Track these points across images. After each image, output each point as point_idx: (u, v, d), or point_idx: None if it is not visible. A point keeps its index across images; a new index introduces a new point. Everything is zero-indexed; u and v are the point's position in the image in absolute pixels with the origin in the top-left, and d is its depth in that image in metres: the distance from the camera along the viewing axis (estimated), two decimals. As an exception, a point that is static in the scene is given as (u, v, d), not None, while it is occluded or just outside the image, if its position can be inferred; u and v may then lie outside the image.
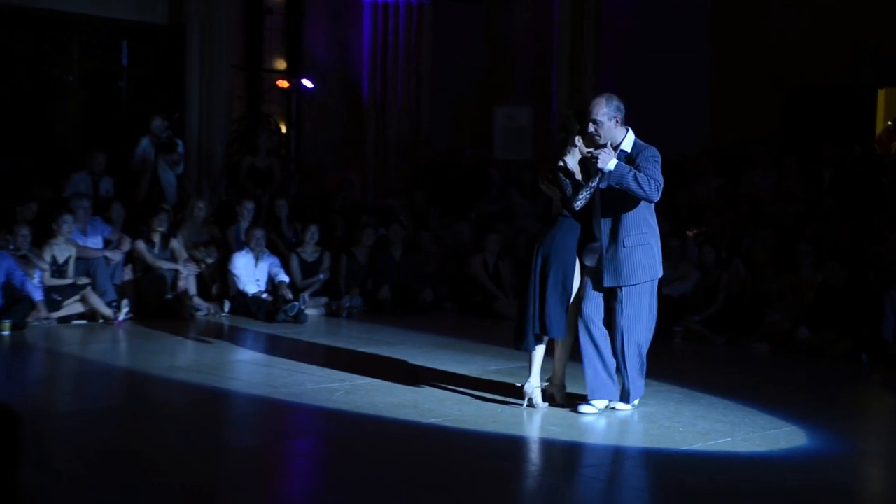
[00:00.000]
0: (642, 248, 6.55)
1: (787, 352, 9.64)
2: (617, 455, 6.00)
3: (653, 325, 6.73)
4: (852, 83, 12.73)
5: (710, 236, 11.07)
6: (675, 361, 9.02)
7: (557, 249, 6.55)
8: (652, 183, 6.39)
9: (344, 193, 13.47)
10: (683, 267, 10.57)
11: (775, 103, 13.02)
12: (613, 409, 6.69)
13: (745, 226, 11.23)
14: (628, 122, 6.64)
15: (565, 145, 6.64)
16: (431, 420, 6.43)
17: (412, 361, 8.46)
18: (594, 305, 6.61)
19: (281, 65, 14.97)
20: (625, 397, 6.72)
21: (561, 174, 6.58)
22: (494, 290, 11.75)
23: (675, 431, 6.37)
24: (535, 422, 6.48)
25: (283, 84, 14.77)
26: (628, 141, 6.58)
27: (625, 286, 6.54)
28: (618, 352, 6.62)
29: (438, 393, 7.19)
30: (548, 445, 6.11)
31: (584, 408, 6.63)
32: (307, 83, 14.73)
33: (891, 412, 7.96)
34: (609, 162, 6.41)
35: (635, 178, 6.38)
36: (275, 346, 9.21)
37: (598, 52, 14.28)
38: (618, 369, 6.66)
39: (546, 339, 6.65)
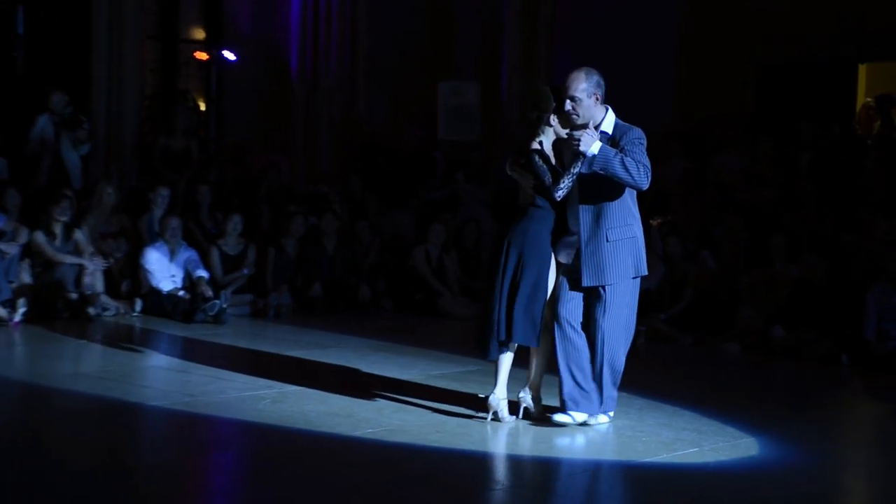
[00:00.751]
0: (627, 241, 6.45)
1: (760, 353, 9.76)
2: (571, 469, 6.02)
3: (633, 329, 6.61)
4: (832, 57, 12.90)
5: (675, 226, 11.18)
6: (638, 364, 9.04)
7: (530, 245, 6.42)
8: (641, 168, 6.28)
9: (270, 179, 13.39)
10: (647, 260, 10.65)
11: (747, 79, 13.15)
12: (587, 423, 6.57)
13: (714, 214, 11.35)
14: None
15: (539, 125, 6.49)
16: (368, 431, 6.41)
17: (347, 366, 8.44)
18: (571, 307, 6.48)
19: (199, 34, 14.85)
20: (601, 409, 6.61)
21: (537, 158, 6.43)
22: (438, 286, 11.76)
23: (637, 442, 6.41)
24: (484, 433, 6.49)
25: (202, 56, 14.66)
26: (609, 121, 6.45)
27: (607, 285, 6.41)
28: (596, 358, 6.49)
29: (376, 401, 7.18)
30: (492, 459, 6.12)
31: (560, 417, 6.52)
32: (229, 55, 14.62)
33: (873, 419, 8.10)
34: (593, 144, 6.28)
35: (622, 164, 6.26)
36: (193, 350, 9.13)
37: (554, 22, 14.33)
38: (593, 377, 6.52)
39: (513, 346, 6.53)
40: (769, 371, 9.35)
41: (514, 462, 6.14)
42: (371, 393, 7.44)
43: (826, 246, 10.26)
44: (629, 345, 6.61)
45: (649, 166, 6.35)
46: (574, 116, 6.40)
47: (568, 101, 6.39)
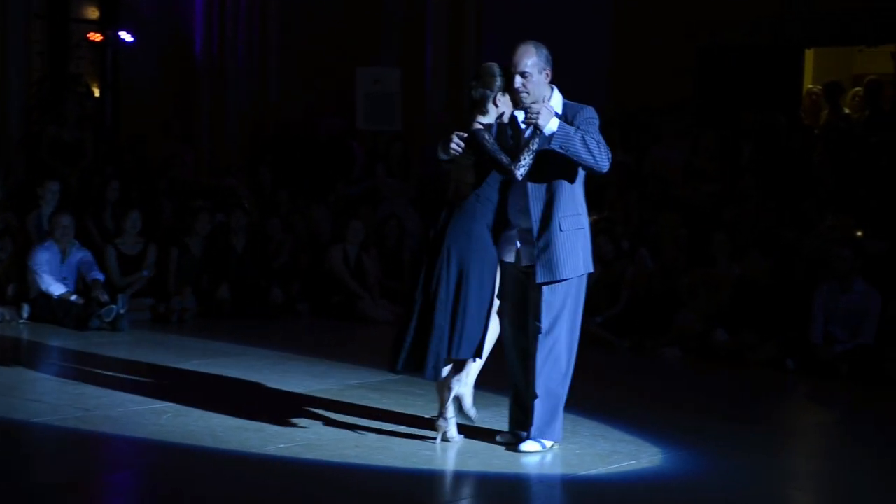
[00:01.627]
0: (580, 232, 6.35)
1: (701, 357, 9.90)
2: (499, 484, 6.07)
3: (578, 329, 6.49)
4: (777, 42, 13.09)
5: (610, 223, 11.28)
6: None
7: (474, 247, 6.22)
8: (602, 148, 6.19)
9: (173, 172, 13.29)
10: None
11: (687, 65, 13.30)
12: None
13: (651, 210, 11.48)
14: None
15: (484, 104, 6.28)
16: (280, 447, 6.39)
17: (257, 375, 8.40)
18: (518, 312, 6.42)
19: (93, 13, 14.68)
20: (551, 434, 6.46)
21: (486, 136, 6.20)
22: (357, 287, 11.76)
23: (571, 455, 6.47)
24: (406, 448, 6.50)
25: (96, 37, 14.48)
26: (557, 100, 6.36)
27: (555, 282, 6.29)
28: (542, 369, 6.34)
29: (288, 413, 7.15)
30: (414, 475, 6.13)
31: (528, 445, 6.40)
32: (126, 37, 14.47)
33: (819, 427, 8.25)
34: (551, 120, 6.13)
35: (584, 142, 6.15)
36: (87, 360, 9.04)
37: (482, 4, 14.38)
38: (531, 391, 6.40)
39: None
40: (711, 377, 9.48)
41: (438, 478, 6.16)
42: (284, 405, 7.42)
43: (770, 243, 10.42)
44: (575, 351, 6.48)
45: (607, 145, 6.26)
46: (524, 94, 6.27)
47: (518, 77, 6.25)
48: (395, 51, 14.73)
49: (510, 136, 6.34)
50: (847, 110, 12.72)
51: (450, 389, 6.41)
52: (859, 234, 10.42)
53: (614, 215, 11.53)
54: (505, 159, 6.17)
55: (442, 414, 6.46)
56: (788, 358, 9.54)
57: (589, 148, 6.17)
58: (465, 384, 6.42)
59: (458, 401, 6.48)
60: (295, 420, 7.00)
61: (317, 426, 6.88)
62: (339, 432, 6.75)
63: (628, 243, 11.10)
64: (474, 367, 6.42)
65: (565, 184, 6.30)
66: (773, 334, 9.74)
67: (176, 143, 13.88)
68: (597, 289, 10.74)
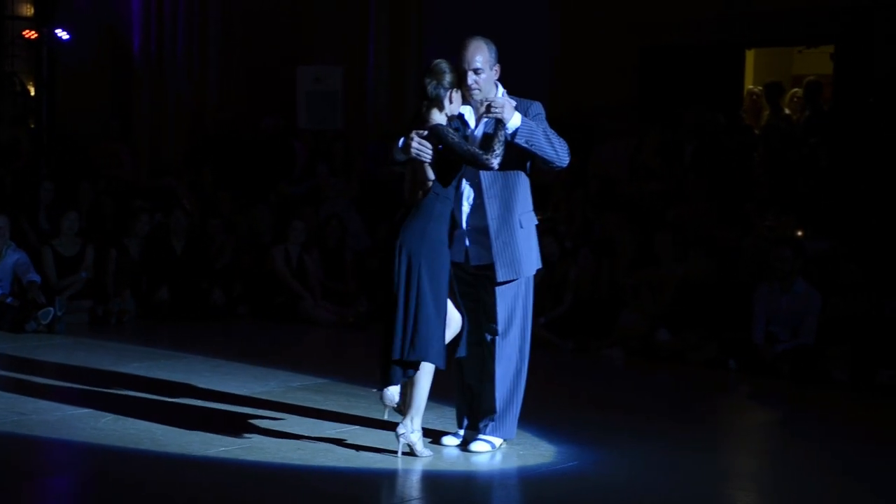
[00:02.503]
0: (534, 229, 6.39)
1: (644, 358, 9.96)
2: (443, 484, 6.07)
3: (530, 328, 6.50)
4: (718, 42, 13.21)
5: (553, 223, 11.32)
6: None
7: (427, 247, 6.12)
8: (563, 143, 6.21)
9: (111, 172, 13.17)
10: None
11: (630, 65, 13.38)
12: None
13: (595, 210, 11.53)
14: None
15: (439, 101, 6.19)
16: (222, 450, 6.36)
17: (198, 378, 8.36)
18: (467, 312, 6.37)
19: (28, 11, 14.50)
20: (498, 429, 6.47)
21: (450, 130, 6.11)
22: (299, 288, 11.72)
23: (514, 455, 6.49)
24: (349, 450, 6.48)
25: (31, 35, 14.32)
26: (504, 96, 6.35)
27: (512, 281, 6.28)
28: (496, 369, 6.36)
29: (230, 416, 7.13)
30: (358, 477, 6.12)
31: (478, 445, 6.42)
32: (62, 34, 14.32)
33: (760, 426, 8.34)
34: (514, 115, 6.09)
35: (547, 137, 6.15)
36: (23, 364, 8.95)
37: (424, 2, 14.38)
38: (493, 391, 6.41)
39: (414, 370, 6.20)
40: (653, 377, 9.55)
41: (383, 479, 6.14)
42: (225, 408, 7.39)
43: (713, 243, 10.50)
44: (528, 350, 6.48)
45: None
46: (476, 91, 6.24)
47: (471, 74, 6.21)
48: (337, 49, 14.69)
49: (459, 134, 6.29)
50: (787, 111, 12.86)
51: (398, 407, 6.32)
52: (800, 234, 10.53)
53: (558, 215, 11.58)
54: (477, 150, 6.11)
55: (407, 425, 6.29)
56: (730, 358, 9.63)
57: (552, 142, 6.19)
58: (415, 428, 6.27)
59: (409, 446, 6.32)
60: (236, 423, 6.96)
61: (258, 428, 6.84)
62: (281, 434, 6.72)
63: (572, 243, 11.14)
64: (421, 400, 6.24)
65: (520, 181, 6.32)
66: (715, 334, 9.82)
67: (114, 143, 13.75)
68: (541, 289, 10.77)
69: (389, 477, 6.14)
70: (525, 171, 6.36)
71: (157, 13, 14.67)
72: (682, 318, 10.01)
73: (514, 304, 6.36)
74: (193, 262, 11.82)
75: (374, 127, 14.10)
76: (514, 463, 6.36)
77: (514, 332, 6.40)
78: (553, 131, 6.26)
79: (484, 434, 6.47)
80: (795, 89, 13.12)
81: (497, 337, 6.35)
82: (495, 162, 6.09)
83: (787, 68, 14.60)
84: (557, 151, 6.20)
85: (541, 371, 9.56)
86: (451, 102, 6.25)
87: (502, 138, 6.09)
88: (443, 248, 6.20)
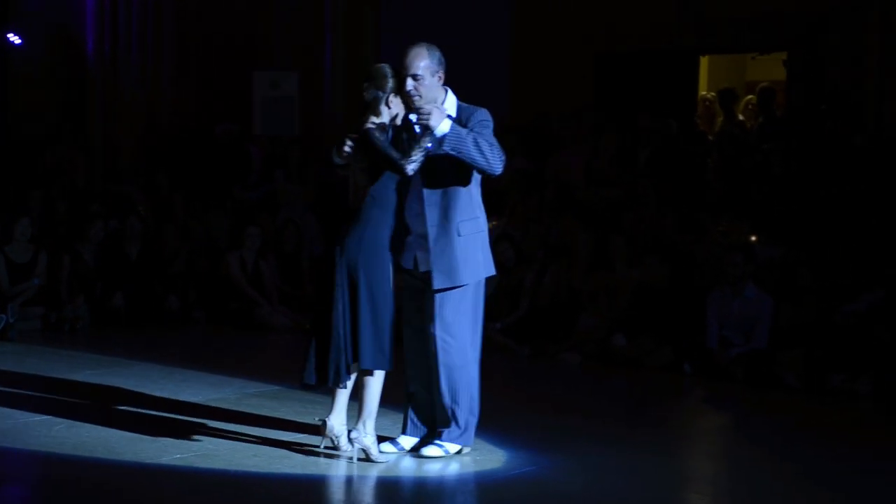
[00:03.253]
0: (478, 236, 6.35)
1: (600, 363, 10.00)
2: (398, 490, 6.06)
3: (479, 335, 6.48)
4: (672, 48, 13.29)
5: (511, 229, 11.34)
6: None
7: (366, 252, 6.14)
8: (495, 150, 6.20)
9: (65, 177, 13.06)
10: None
11: (585, 71, 13.44)
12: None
13: (552, 215, 11.56)
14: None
15: (377, 106, 6.24)
16: (177, 457, 6.33)
17: (152, 385, 8.31)
18: (417, 318, 6.38)
19: (-21, 14, 14.35)
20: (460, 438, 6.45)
21: (377, 133, 6.16)
22: (254, 294, 11.68)
23: (471, 460, 6.50)
24: (306, 457, 6.46)
25: (-17, 39, 14.19)
26: (451, 102, 6.36)
27: (454, 288, 6.27)
28: (440, 376, 6.34)
29: (185, 424, 7.09)
30: (315, 483, 6.11)
31: (430, 450, 6.40)
32: (13, 38, 14.20)
33: (714, 430, 8.39)
34: (442, 122, 6.12)
35: (476, 144, 6.15)
36: (-26, 371, 8.86)
37: (380, 8, 14.38)
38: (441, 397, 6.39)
39: (353, 373, 6.26)
40: (609, 382, 9.59)
41: (339, 485, 6.14)
42: (180, 415, 7.34)
43: (667, 249, 10.56)
44: (478, 354, 6.47)
45: (501, 148, 6.28)
46: (416, 97, 6.25)
47: (409, 80, 6.24)
48: (293, 54, 14.66)
49: (405, 139, 6.31)
50: (741, 117, 12.97)
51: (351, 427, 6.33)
52: (753, 239, 10.61)
53: (515, 221, 11.59)
54: (395, 155, 6.13)
55: (331, 419, 6.34)
56: (686, 362, 9.69)
57: (481, 150, 6.17)
58: (367, 432, 6.27)
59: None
60: (191, 430, 6.92)
61: (213, 435, 6.81)
62: (236, 441, 6.69)
63: (529, 249, 11.16)
64: (372, 407, 6.27)
65: (461, 188, 6.30)
66: (670, 339, 9.88)
67: (68, 148, 13.63)
68: (497, 295, 10.79)
69: (345, 483, 6.13)
70: (468, 177, 6.33)
71: (111, 16, 14.56)
72: (638, 323, 10.06)
73: (457, 311, 6.33)
74: (148, 268, 11.76)
75: (331, 132, 14.06)
76: (470, 468, 6.36)
77: (464, 338, 6.36)
78: (490, 140, 6.24)
79: (440, 440, 6.46)
80: (750, 96, 13.23)
81: (444, 342, 6.32)
82: (410, 168, 6.11)
83: (741, 75, 14.72)
84: (488, 159, 6.19)
85: (498, 376, 9.62)
86: (388, 108, 6.26)
87: (423, 145, 6.11)
88: (381, 253, 6.21)
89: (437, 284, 6.29)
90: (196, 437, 6.76)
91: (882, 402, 8.85)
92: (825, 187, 10.82)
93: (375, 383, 6.24)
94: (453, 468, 6.36)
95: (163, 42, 14.71)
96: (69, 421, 7.07)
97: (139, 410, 7.46)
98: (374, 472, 6.22)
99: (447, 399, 6.38)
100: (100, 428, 6.92)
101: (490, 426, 7.16)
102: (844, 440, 7.78)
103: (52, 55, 14.59)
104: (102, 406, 7.54)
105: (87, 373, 8.77)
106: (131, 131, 14.66)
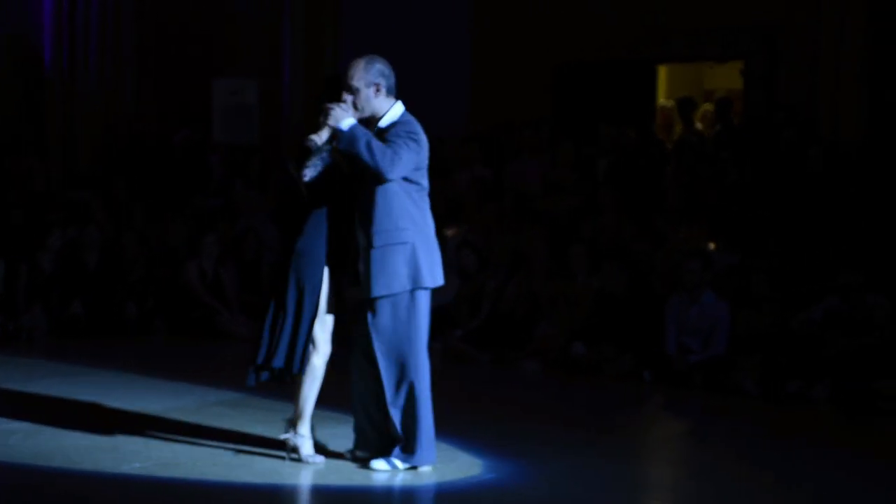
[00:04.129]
0: (397, 248, 6.25)
1: (561, 370, 10.02)
2: (361, 500, 6.04)
3: (421, 348, 6.34)
4: (630, 58, 13.37)
5: (470, 236, 11.35)
6: (432, 385, 9.18)
7: (294, 259, 6.25)
8: (388, 154, 6.16)
9: (22, 185, 12.94)
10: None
11: (544, 81, 13.49)
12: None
13: (511, 223, 11.58)
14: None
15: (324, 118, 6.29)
16: (136, 466, 6.29)
17: (111, 394, 8.23)
18: (358, 328, 6.37)
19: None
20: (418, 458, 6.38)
21: (312, 147, 6.23)
22: (213, 302, 11.62)
23: (430, 467, 6.46)
24: (266, 465, 6.43)
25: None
26: (391, 115, 6.35)
27: (378, 298, 6.23)
28: (386, 393, 6.28)
29: (144, 433, 7.03)
30: (276, 492, 6.08)
31: (377, 464, 6.34)
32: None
33: (674, 436, 8.43)
34: (343, 119, 6.20)
35: (368, 146, 6.15)
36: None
37: (340, 15, 14.37)
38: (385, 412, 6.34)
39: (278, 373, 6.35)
40: (569, 389, 9.61)
41: (298, 495, 6.11)
42: (139, 424, 7.28)
43: (626, 257, 10.60)
44: (422, 368, 6.33)
45: (406, 158, 6.19)
46: (354, 110, 6.29)
47: (345, 92, 6.29)
48: (253, 62, 14.62)
49: (326, 149, 6.32)
50: (699, 125, 13.04)
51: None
52: (712, 246, 10.67)
53: (474, 229, 11.60)
54: (308, 161, 6.25)
55: (295, 429, 6.37)
56: (645, 370, 9.72)
57: (372, 152, 6.16)
58: (299, 433, 6.35)
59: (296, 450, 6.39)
60: (151, 439, 6.88)
61: (173, 444, 6.77)
62: (196, 450, 6.66)
63: (489, 257, 11.17)
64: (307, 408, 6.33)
65: (380, 199, 6.26)
66: (630, 346, 9.91)
67: (25, 156, 13.52)
68: (457, 302, 10.80)
69: (303, 493, 6.11)
70: (388, 188, 6.26)
71: (68, 23, 14.45)
72: (597, 330, 10.08)
73: (392, 325, 6.27)
74: (107, 277, 11.67)
75: (290, 140, 14.02)
76: (431, 476, 6.34)
77: (400, 355, 6.28)
78: (393, 145, 6.19)
79: (392, 456, 6.35)
80: (707, 105, 13.31)
81: (381, 359, 6.27)
82: (305, 174, 6.23)
83: (699, 83, 14.82)
84: (377, 161, 6.15)
85: (458, 383, 9.62)
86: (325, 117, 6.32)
87: (323, 147, 6.23)
88: (310, 261, 6.26)
89: (350, 294, 6.39)
90: (156, 445, 6.72)
91: (838, 408, 8.92)
92: (781, 195, 10.89)
93: (306, 386, 6.34)
94: (409, 476, 6.34)
95: (122, 48, 14.62)
96: (26, 430, 7.00)
97: (98, 420, 7.39)
98: (333, 481, 6.19)
99: (393, 416, 6.29)
100: (58, 437, 6.86)
101: (451, 433, 7.15)
102: (802, 445, 7.85)
103: (9, 61, 14.47)
104: (60, 415, 7.45)
105: (44, 382, 8.69)
106: (89, 138, 14.56)
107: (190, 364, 9.93)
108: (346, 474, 6.30)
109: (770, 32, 12.44)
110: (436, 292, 6.51)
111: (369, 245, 6.27)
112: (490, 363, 10.34)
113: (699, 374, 9.50)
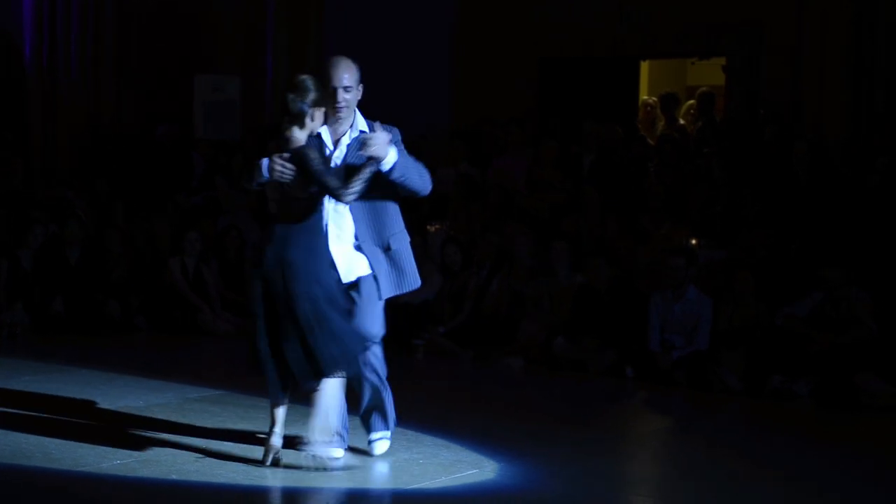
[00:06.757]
0: (408, 249, 6.38)
1: (544, 367, 10.02)
2: (344, 498, 6.03)
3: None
4: (614, 54, 13.38)
5: (454, 233, 11.34)
6: (414, 381, 9.18)
7: (308, 263, 6.05)
8: (426, 174, 6.26)
9: (2, 182, 12.89)
10: (425, 270, 10.75)
11: (529, 77, 13.49)
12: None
13: (495, 220, 11.58)
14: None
15: (301, 118, 6.11)
16: (117, 463, 6.26)
17: (93, 391, 8.21)
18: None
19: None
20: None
21: (313, 155, 6.03)
22: (196, 299, 11.59)
23: (414, 465, 6.48)
24: (249, 464, 6.41)
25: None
26: (361, 119, 6.30)
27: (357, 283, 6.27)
28: (380, 377, 6.41)
29: (125, 429, 7.02)
30: (260, 489, 6.06)
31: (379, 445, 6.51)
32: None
33: (655, 433, 8.43)
34: (391, 152, 6.03)
35: (419, 172, 6.20)
36: None
37: (322, 11, 14.35)
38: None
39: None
40: (553, 386, 9.61)
41: (285, 493, 6.09)
42: (121, 421, 7.27)
43: (610, 253, 10.61)
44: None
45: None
46: (344, 108, 6.18)
47: (341, 91, 6.15)
48: (235, 58, 14.59)
49: (320, 158, 6.18)
50: (682, 121, 13.06)
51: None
52: (694, 242, 10.68)
53: (458, 225, 11.59)
54: (333, 183, 6.03)
55: (273, 433, 6.28)
56: (628, 366, 9.72)
57: (423, 177, 6.25)
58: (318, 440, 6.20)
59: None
60: (132, 435, 6.86)
61: (155, 441, 6.74)
62: (178, 446, 6.63)
63: (472, 253, 11.16)
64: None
65: (389, 201, 6.31)
66: (613, 343, 9.91)
67: (5, 152, 13.46)
68: (441, 299, 10.79)
69: (286, 491, 6.08)
70: (392, 194, 6.31)
71: (49, 19, 14.39)
72: (580, 327, 10.08)
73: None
74: (88, 274, 11.63)
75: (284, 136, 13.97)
76: (413, 474, 6.33)
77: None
78: (416, 160, 6.27)
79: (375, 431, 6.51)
80: (690, 101, 13.33)
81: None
82: (349, 198, 6.05)
83: (682, 79, 14.86)
84: (426, 184, 6.29)
85: (440, 380, 9.62)
86: (312, 120, 6.15)
87: (366, 176, 6.04)
88: (324, 259, 6.15)
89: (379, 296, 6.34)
90: (137, 442, 6.69)
91: (820, 403, 8.94)
92: (764, 191, 10.91)
93: (331, 393, 6.19)
94: (395, 473, 6.34)
95: (103, 44, 14.56)
96: (6, 428, 6.95)
97: (79, 417, 7.37)
98: (315, 480, 6.17)
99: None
100: (38, 435, 6.81)
101: (434, 430, 7.17)
102: (785, 440, 7.87)
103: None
104: (41, 412, 7.43)
105: (25, 379, 8.65)
106: (71, 134, 14.51)
107: (171, 361, 9.91)
108: (336, 474, 6.28)
109: (752, 29, 12.47)
110: (419, 289, 6.62)
111: (386, 247, 6.29)
112: (473, 360, 10.33)
113: (682, 370, 9.51)
